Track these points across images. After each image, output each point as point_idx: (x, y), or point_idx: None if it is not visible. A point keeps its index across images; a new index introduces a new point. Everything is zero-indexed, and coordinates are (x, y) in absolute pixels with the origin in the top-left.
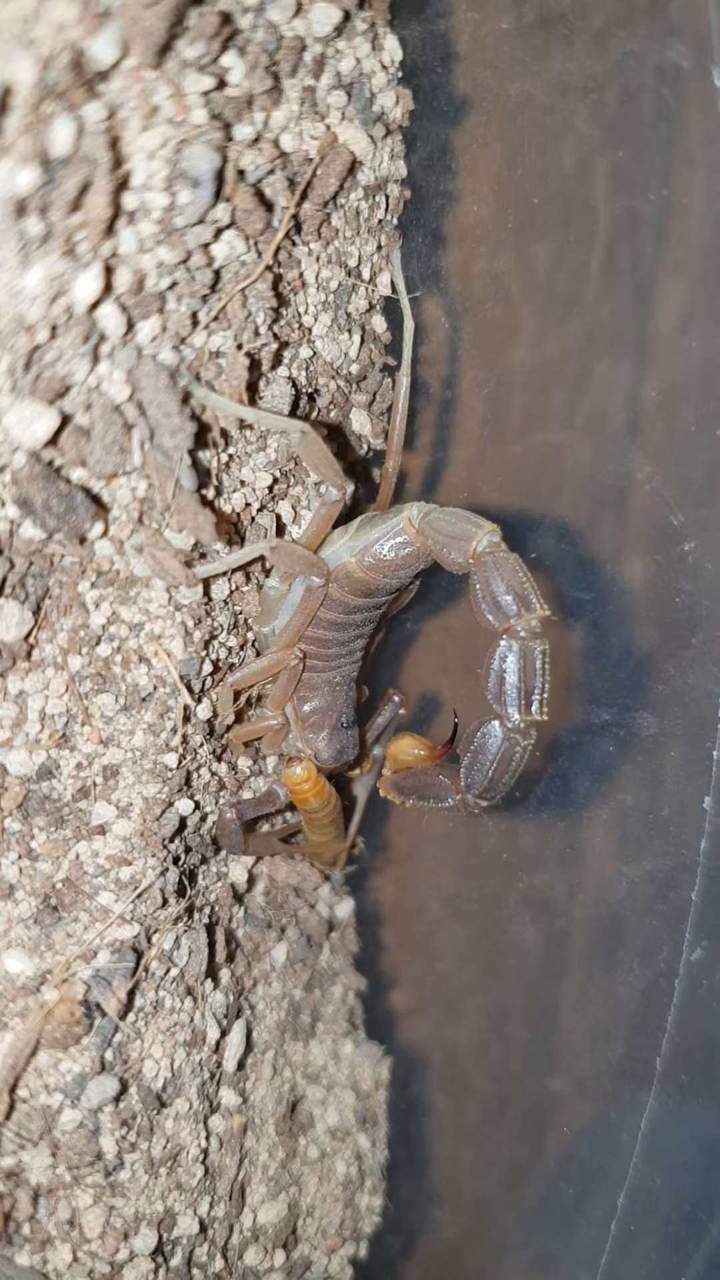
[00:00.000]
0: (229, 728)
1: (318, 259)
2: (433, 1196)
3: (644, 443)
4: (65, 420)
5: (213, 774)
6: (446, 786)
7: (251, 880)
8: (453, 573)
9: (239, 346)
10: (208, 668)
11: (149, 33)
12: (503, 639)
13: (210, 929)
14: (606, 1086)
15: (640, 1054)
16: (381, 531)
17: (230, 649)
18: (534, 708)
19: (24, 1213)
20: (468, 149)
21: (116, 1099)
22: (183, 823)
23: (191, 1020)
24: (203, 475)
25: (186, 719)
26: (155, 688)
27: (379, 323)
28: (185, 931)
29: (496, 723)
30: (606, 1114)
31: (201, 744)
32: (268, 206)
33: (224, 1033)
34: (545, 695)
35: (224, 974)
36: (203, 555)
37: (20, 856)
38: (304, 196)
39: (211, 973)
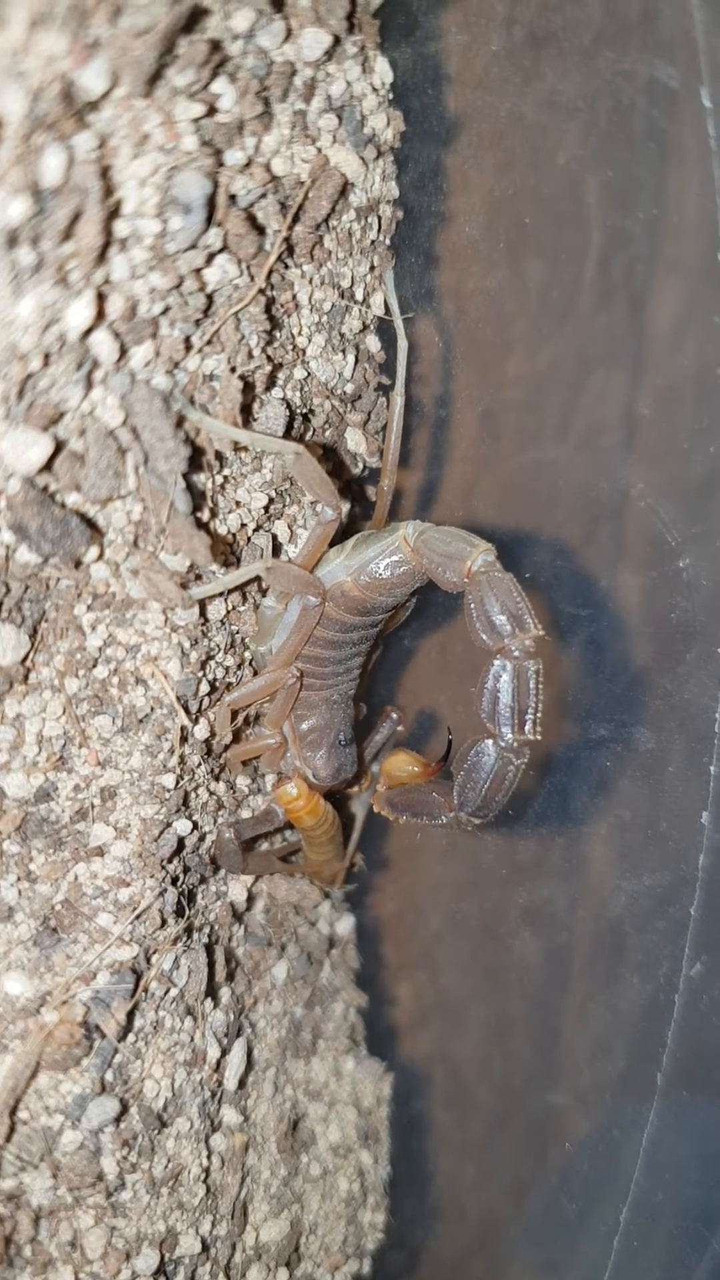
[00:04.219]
0: (227, 747)
1: (311, 281)
2: (435, 1212)
3: (638, 458)
4: (59, 446)
5: (211, 794)
6: (440, 804)
7: (251, 899)
8: (448, 591)
9: (233, 369)
10: (205, 688)
11: (138, 62)
12: (497, 658)
13: (210, 948)
14: (608, 1101)
15: (641, 1068)
16: (377, 550)
17: (227, 669)
18: (527, 727)
19: (25, 1235)
20: (459, 169)
21: (117, 1119)
22: (181, 843)
23: (192, 1040)
24: (198, 497)
25: (184, 739)
26: (152, 709)
27: (373, 342)
28: (184, 951)
29: (490, 741)
30: (608, 1128)
31: (199, 764)
32: (260, 230)
33: (224, 1051)
34: (539, 715)
35: (224, 993)
36: (198, 577)
37: (19, 879)
38: (296, 219)
39: (211, 992)
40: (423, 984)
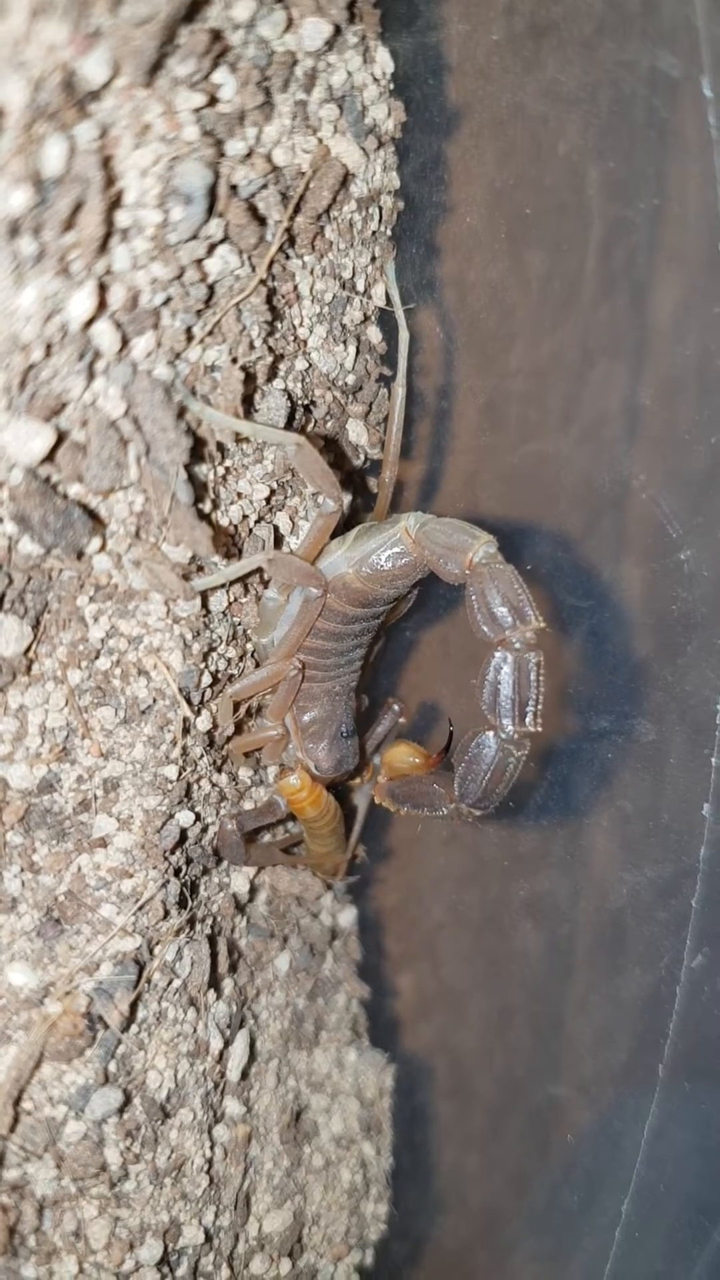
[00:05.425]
0: (229, 739)
1: (312, 272)
2: (438, 1203)
3: (640, 449)
4: (61, 437)
5: (213, 785)
6: (441, 795)
7: (253, 890)
8: (449, 583)
9: (234, 360)
10: (207, 679)
11: (140, 52)
12: (498, 650)
13: (212, 939)
14: (609, 1092)
15: (643, 1060)
16: (379, 542)
17: (229, 660)
18: (528, 719)
19: (29, 1225)
20: (460, 159)
21: (120, 1110)
22: (183, 834)
23: (194, 1031)
24: (199, 488)
25: (186, 731)
26: (155, 700)
27: (374, 333)
28: (187, 943)
29: (491, 733)
30: (610, 1119)
31: (201, 755)
32: (261, 221)
33: (227, 1043)
34: (539, 707)
35: (227, 984)
36: (200, 568)
37: (22, 870)
38: (297, 210)
39: (214, 983)
40: (424, 975)
